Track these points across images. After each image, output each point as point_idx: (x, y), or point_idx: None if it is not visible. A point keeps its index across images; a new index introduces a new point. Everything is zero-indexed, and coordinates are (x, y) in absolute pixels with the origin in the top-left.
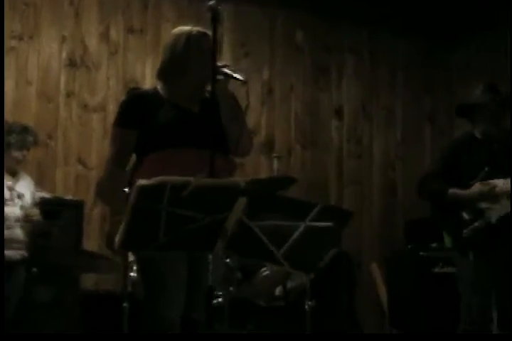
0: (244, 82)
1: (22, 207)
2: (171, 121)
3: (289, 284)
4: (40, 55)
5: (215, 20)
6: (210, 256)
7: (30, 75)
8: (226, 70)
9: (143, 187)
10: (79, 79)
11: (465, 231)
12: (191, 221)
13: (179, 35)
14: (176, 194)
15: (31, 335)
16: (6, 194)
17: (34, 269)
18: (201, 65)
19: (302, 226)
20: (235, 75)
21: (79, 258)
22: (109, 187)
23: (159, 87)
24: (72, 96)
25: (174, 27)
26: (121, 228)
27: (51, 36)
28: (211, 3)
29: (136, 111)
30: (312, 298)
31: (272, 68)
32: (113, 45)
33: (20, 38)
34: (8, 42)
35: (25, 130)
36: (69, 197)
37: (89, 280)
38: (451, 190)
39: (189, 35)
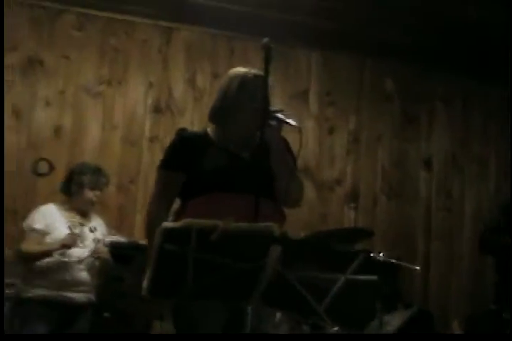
0: (297, 128)
1: (94, 240)
2: (220, 166)
3: None
4: (127, 100)
5: (268, 61)
6: (249, 308)
7: (116, 120)
8: (279, 115)
9: (167, 230)
10: (163, 125)
11: None
12: (222, 268)
13: (234, 77)
14: (204, 238)
15: (31, 335)
16: (77, 230)
17: (106, 314)
18: (254, 109)
19: (342, 279)
20: (288, 120)
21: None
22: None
23: (209, 129)
24: (156, 141)
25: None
26: (147, 274)
27: (138, 82)
28: (264, 40)
29: (184, 154)
30: None
31: (359, 117)
32: (198, 90)
33: (109, 83)
34: (97, 88)
35: (98, 171)
36: (144, 242)
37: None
38: None
39: (244, 78)
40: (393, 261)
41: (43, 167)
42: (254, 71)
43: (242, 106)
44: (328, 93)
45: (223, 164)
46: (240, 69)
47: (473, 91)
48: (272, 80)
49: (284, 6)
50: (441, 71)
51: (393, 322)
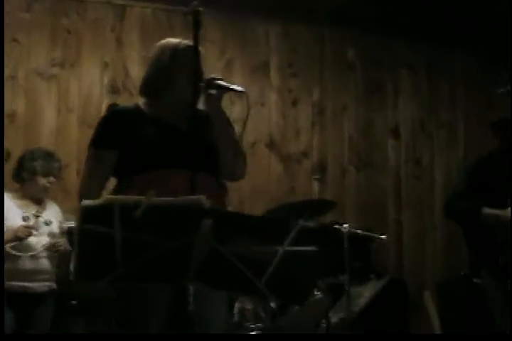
0: (242, 93)
1: (49, 234)
2: (155, 139)
3: (334, 317)
4: (82, 82)
5: (197, 26)
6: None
7: (71, 103)
8: (221, 82)
9: (86, 208)
10: None
11: (501, 257)
12: (150, 247)
13: (165, 48)
14: (127, 215)
15: (31, 335)
16: (32, 222)
17: (73, 302)
18: (187, 82)
19: (281, 252)
20: (232, 86)
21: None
22: None
23: (141, 102)
24: None
25: (221, 49)
26: (73, 257)
27: (93, 63)
28: (194, 4)
29: (115, 130)
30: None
31: (323, 88)
32: None
33: (62, 66)
34: (50, 70)
35: (49, 156)
36: None
37: None
38: (486, 210)
39: (176, 48)
40: (358, 231)
41: None
42: (185, 41)
43: (175, 76)
44: (290, 65)
45: (159, 138)
46: (171, 40)
47: (438, 57)
48: (202, 48)
49: None
50: (404, 38)
51: (365, 293)
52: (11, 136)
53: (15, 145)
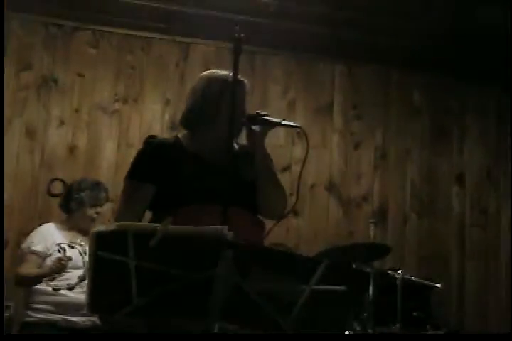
0: (299, 128)
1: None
2: (193, 174)
3: None
4: (143, 118)
5: (237, 54)
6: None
7: (131, 138)
8: (268, 118)
9: (100, 235)
10: None
11: None
12: (168, 279)
13: (213, 80)
14: (143, 244)
15: (31, 335)
16: (79, 257)
17: None
18: (235, 113)
19: (307, 290)
20: (284, 122)
21: None
22: None
23: (181, 135)
24: None
25: (284, 89)
26: (86, 286)
27: (155, 99)
28: (235, 28)
29: (153, 164)
30: None
31: (386, 131)
32: None
33: (125, 101)
34: (112, 105)
35: (97, 185)
36: None
37: None
38: None
39: (225, 81)
40: (412, 278)
41: (57, 187)
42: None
43: (221, 110)
44: (354, 106)
45: (197, 173)
46: (219, 72)
47: (507, 102)
48: (248, 83)
49: (304, 17)
50: (473, 82)
51: None
52: (71, 169)
53: (74, 179)
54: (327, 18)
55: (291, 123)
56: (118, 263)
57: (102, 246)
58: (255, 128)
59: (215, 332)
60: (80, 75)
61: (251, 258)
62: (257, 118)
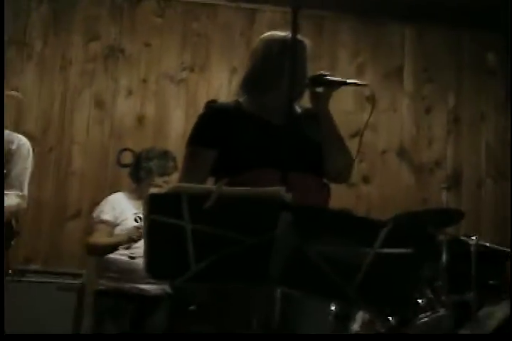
0: (365, 86)
1: None
2: (256, 138)
3: None
4: (210, 86)
5: (296, 9)
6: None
7: (199, 107)
8: (332, 78)
9: (153, 198)
10: None
11: None
12: (225, 243)
13: (272, 41)
14: (197, 206)
15: (31, 335)
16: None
17: (192, 307)
18: (296, 76)
19: (371, 254)
20: (349, 81)
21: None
22: None
23: (242, 99)
24: None
25: (352, 53)
26: (144, 251)
27: (222, 67)
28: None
29: (214, 129)
30: None
31: (459, 95)
32: None
33: (191, 70)
34: (179, 74)
35: (165, 155)
36: None
37: None
38: None
39: (284, 41)
40: (487, 244)
41: (127, 157)
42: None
43: (283, 71)
44: (424, 70)
45: (260, 137)
46: (278, 33)
47: None
48: (309, 44)
49: None
50: None
51: (497, 314)
52: (139, 139)
53: (143, 148)
54: None
55: (357, 82)
56: (173, 226)
57: (156, 209)
58: (319, 89)
59: (278, 296)
60: (146, 45)
61: (310, 221)
62: (320, 79)
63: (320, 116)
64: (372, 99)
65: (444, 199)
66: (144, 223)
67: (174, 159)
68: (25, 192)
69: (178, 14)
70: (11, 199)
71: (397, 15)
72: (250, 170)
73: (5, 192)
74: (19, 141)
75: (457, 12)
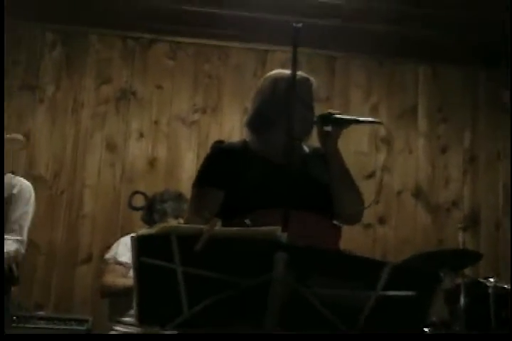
0: (379, 123)
1: None
2: (264, 179)
3: None
4: (222, 128)
5: (296, 43)
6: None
7: None
8: (341, 116)
9: (141, 239)
10: None
11: None
12: (220, 286)
13: (279, 79)
14: (188, 247)
15: (31, 335)
16: None
17: None
18: (302, 115)
19: (373, 297)
20: (360, 119)
21: None
22: None
23: (249, 139)
24: None
25: (366, 93)
26: (133, 296)
27: (234, 108)
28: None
29: (221, 169)
30: None
31: (475, 133)
32: None
33: (204, 111)
34: (191, 116)
35: (179, 197)
36: None
37: None
38: None
39: (290, 80)
40: (505, 286)
41: (139, 200)
42: (301, 73)
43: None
44: (439, 109)
45: (267, 177)
46: (285, 71)
47: None
48: (314, 81)
49: (385, 18)
50: None
51: None
52: (151, 181)
53: (155, 191)
54: (406, 16)
55: (370, 119)
56: (164, 269)
57: (145, 251)
58: (327, 128)
59: None
60: (158, 87)
61: (308, 261)
62: (328, 118)
63: (328, 155)
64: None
65: (461, 239)
66: (133, 266)
67: (187, 201)
68: (25, 237)
69: (189, 56)
70: (10, 244)
71: (411, 53)
72: (254, 210)
73: (4, 236)
74: (21, 185)
75: (471, 50)
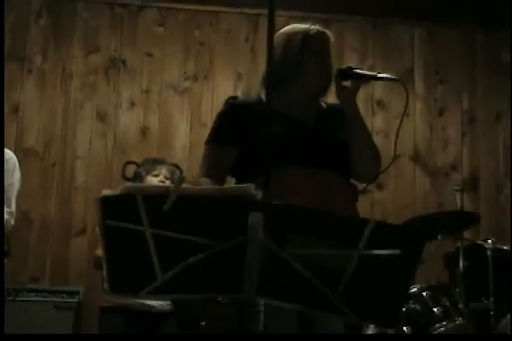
0: (398, 81)
1: None
2: (282, 136)
3: None
4: (215, 95)
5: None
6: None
7: (204, 117)
8: (361, 71)
9: (105, 200)
10: None
11: None
12: (193, 249)
13: (293, 34)
14: (156, 208)
15: (31, 335)
16: None
17: (202, 323)
18: (319, 69)
19: (355, 256)
20: (380, 75)
21: None
22: None
23: (264, 94)
24: None
25: (361, 57)
26: (103, 263)
27: (226, 74)
28: None
29: (235, 125)
30: None
31: (473, 95)
32: None
33: (195, 79)
34: (183, 83)
35: (156, 160)
36: None
37: None
38: None
39: (306, 33)
40: (505, 248)
41: (132, 170)
42: (316, 26)
43: (306, 63)
44: (436, 71)
45: (286, 133)
46: (298, 26)
47: None
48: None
49: None
50: None
51: None
52: (143, 151)
53: None
54: None
55: (389, 76)
56: (132, 232)
57: (110, 213)
58: (346, 83)
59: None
60: (148, 55)
61: (286, 221)
62: (348, 72)
63: (347, 111)
64: (406, 92)
65: (459, 201)
66: (99, 230)
67: (173, 165)
68: (13, 208)
69: (179, 22)
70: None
71: (406, 15)
72: (279, 169)
73: None
74: (6, 156)
75: (468, 10)
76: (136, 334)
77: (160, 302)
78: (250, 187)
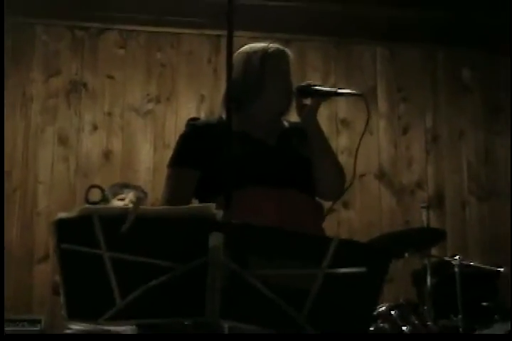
0: (358, 95)
1: None
2: (241, 156)
3: None
4: (178, 117)
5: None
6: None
7: (168, 138)
8: (321, 88)
9: (61, 223)
10: None
11: None
12: (153, 272)
13: (252, 53)
14: (113, 230)
15: (31, 335)
16: None
17: None
18: (279, 88)
19: (320, 275)
20: (340, 91)
21: None
22: None
23: (225, 115)
24: None
25: (323, 75)
26: (60, 288)
27: (189, 96)
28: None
29: (197, 147)
30: None
31: (436, 113)
32: None
33: (158, 101)
34: (145, 106)
35: (123, 185)
36: None
37: None
38: None
39: (265, 53)
40: (471, 263)
41: (95, 194)
42: (275, 45)
43: (265, 83)
44: (399, 89)
45: (245, 155)
46: (257, 44)
47: None
48: (290, 52)
49: None
50: None
51: None
52: (107, 174)
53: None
54: None
55: (350, 91)
56: (89, 256)
57: (66, 236)
58: (306, 101)
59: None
60: (109, 77)
61: (247, 240)
62: (307, 90)
63: (308, 129)
64: (366, 107)
65: (425, 219)
66: (55, 254)
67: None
68: None
69: (140, 45)
70: None
71: (367, 34)
72: (242, 189)
73: None
74: None
75: (429, 29)
76: (137, 335)
77: (123, 328)
78: (210, 207)
